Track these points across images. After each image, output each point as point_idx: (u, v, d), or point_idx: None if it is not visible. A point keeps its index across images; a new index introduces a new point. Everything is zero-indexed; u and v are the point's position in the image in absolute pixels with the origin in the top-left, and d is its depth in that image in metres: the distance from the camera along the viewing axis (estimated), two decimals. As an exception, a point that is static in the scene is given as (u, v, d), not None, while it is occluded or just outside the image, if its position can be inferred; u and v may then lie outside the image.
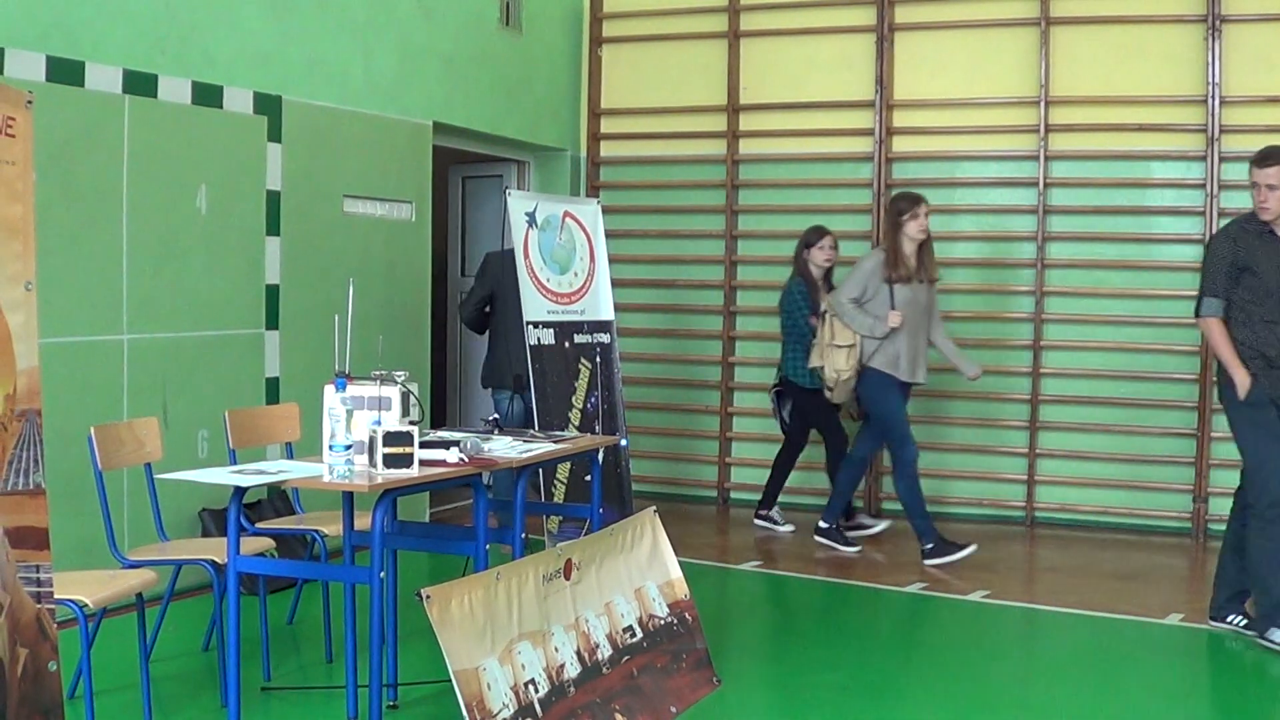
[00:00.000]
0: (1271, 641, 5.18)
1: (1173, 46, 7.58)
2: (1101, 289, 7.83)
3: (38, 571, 2.87)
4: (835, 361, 6.71)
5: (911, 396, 7.01)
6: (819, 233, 7.40)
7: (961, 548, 6.69)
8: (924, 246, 6.70)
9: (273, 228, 6.36)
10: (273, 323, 6.38)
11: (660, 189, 8.79)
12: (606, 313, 7.01)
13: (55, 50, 5.15)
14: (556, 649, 3.80)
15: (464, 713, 3.34)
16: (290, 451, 5.16)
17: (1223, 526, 7.42)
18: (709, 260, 8.69)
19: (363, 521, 4.35)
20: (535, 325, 6.43)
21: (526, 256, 6.49)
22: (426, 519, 7.36)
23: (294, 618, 5.42)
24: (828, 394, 6.93)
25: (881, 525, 7.41)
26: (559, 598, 3.92)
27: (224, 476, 3.82)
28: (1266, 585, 5.19)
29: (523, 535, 4.49)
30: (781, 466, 7.66)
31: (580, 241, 6.92)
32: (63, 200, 5.18)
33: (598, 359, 6.83)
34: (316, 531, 4.93)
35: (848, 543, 7.08)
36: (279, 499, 6.02)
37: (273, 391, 6.36)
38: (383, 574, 3.78)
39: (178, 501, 5.60)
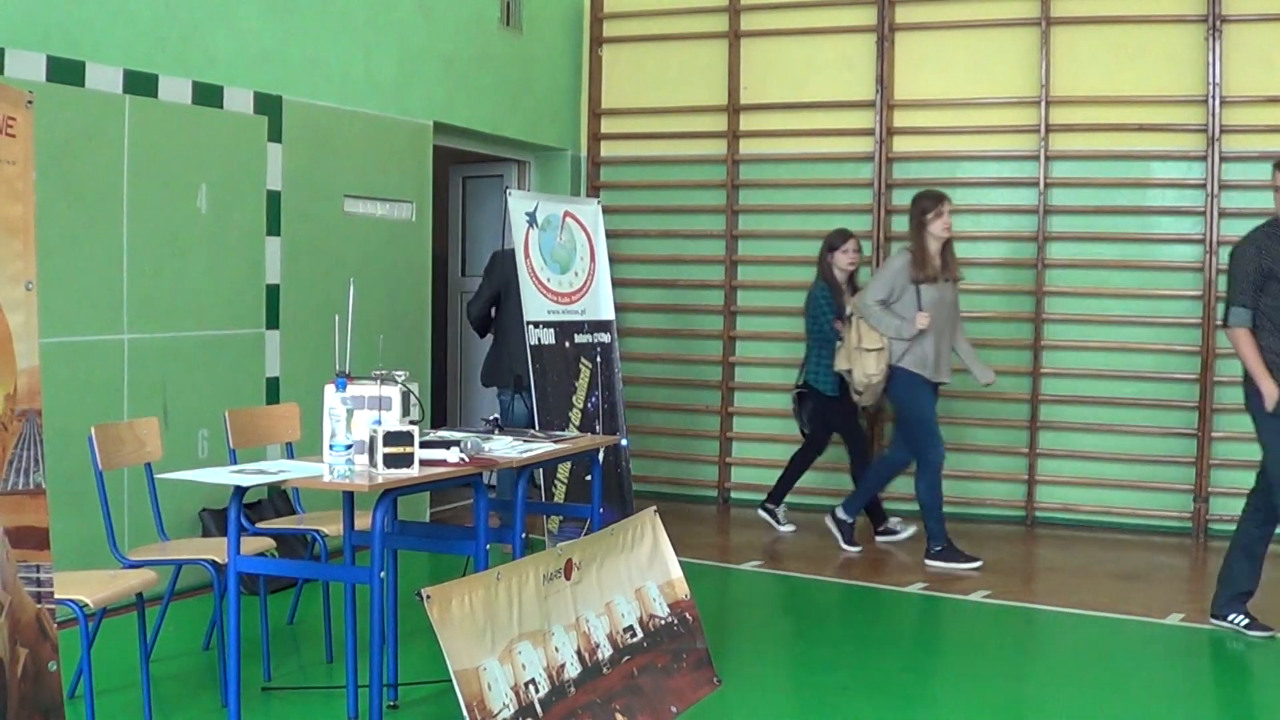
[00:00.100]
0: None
1: (1173, 46, 7.58)
2: (1102, 289, 7.83)
3: (38, 571, 2.88)
4: (865, 365, 6.64)
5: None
6: (842, 236, 7.32)
7: (969, 559, 6.66)
8: (946, 245, 6.64)
9: (273, 228, 6.36)
10: (273, 322, 6.38)
11: (661, 189, 8.79)
12: (607, 312, 7.01)
13: (56, 50, 5.15)
14: (557, 649, 3.80)
15: (464, 713, 3.34)
16: (290, 451, 5.16)
17: (1223, 526, 7.49)
18: (709, 260, 8.69)
19: (363, 521, 4.35)
20: (536, 325, 6.44)
21: (527, 256, 6.49)
22: (427, 519, 7.36)
23: (294, 618, 5.42)
24: (856, 397, 6.86)
25: (910, 531, 7.28)
26: (559, 598, 3.92)
27: (224, 476, 3.82)
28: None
29: (523, 535, 4.49)
30: (797, 465, 7.59)
31: (580, 241, 6.92)
32: (63, 200, 5.18)
33: (598, 359, 6.83)
34: (317, 531, 4.94)
35: (851, 541, 7.07)
36: (279, 499, 6.02)
37: (273, 391, 6.36)
38: (383, 574, 3.78)
39: (178, 501, 5.60)
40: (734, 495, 8.62)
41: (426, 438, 4.23)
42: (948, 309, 6.70)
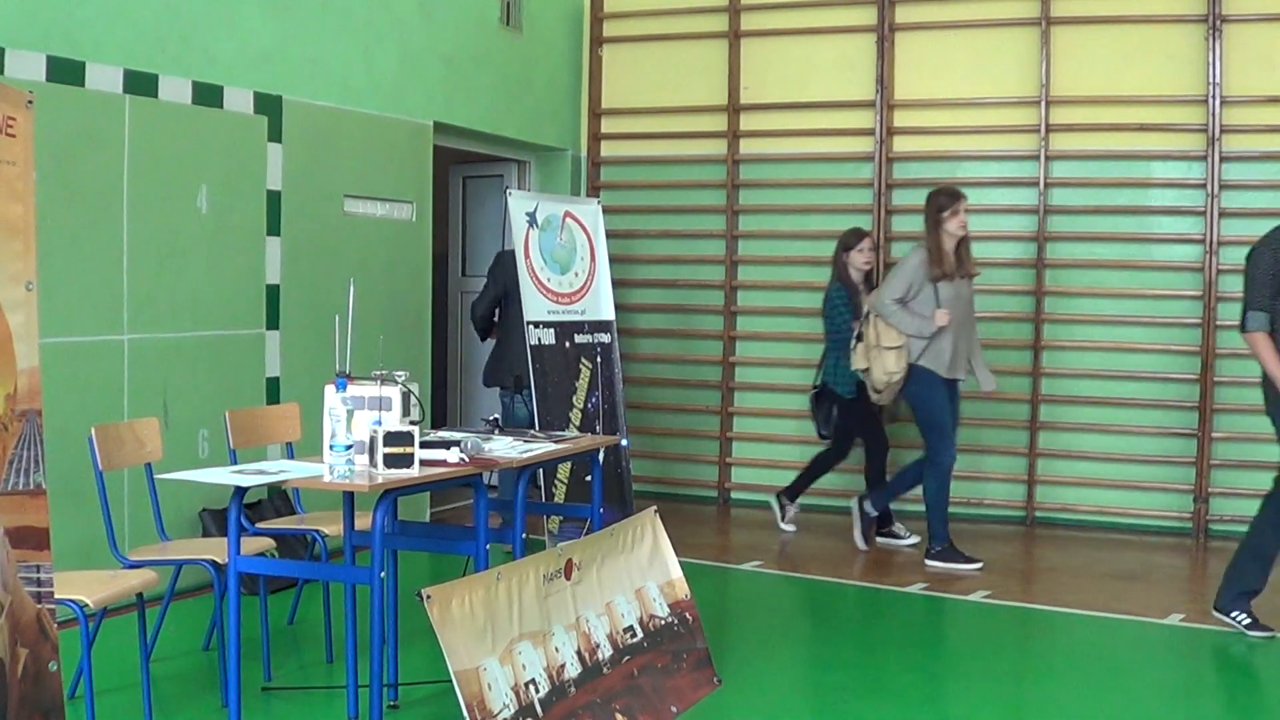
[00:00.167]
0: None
1: (1173, 46, 7.58)
2: (1101, 289, 7.83)
3: (38, 571, 2.88)
4: (885, 364, 6.58)
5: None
6: (857, 235, 7.27)
7: (969, 560, 6.66)
8: (962, 242, 6.60)
9: (273, 228, 6.36)
10: (273, 323, 6.38)
11: (661, 189, 8.79)
12: (607, 313, 7.01)
13: (56, 50, 5.15)
14: (557, 649, 3.80)
15: (464, 713, 3.34)
16: (291, 451, 5.16)
17: (1223, 527, 7.50)
18: (709, 260, 8.69)
19: (363, 521, 4.35)
20: (536, 325, 6.44)
21: (527, 256, 6.49)
22: (427, 519, 7.36)
23: (294, 618, 5.42)
24: (875, 396, 6.79)
25: (913, 539, 7.24)
26: (559, 598, 3.92)
27: (224, 476, 3.82)
28: (1245, 573, 5.30)
29: (523, 535, 4.49)
30: (818, 466, 7.53)
31: (581, 241, 6.93)
32: (63, 200, 5.18)
33: (598, 359, 6.83)
34: (317, 531, 4.94)
35: (868, 542, 7.05)
36: (279, 499, 6.02)
37: (273, 391, 6.36)
38: (383, 574, 3.78)
39: (178, 501, 5.60)
40: (734, 495, 8.62)
41: (427, 438, 4.22)
42: (964, 306, 6.67)
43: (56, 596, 3.01)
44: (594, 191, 8.79)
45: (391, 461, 3.80)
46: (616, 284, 7.47)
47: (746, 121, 8.58)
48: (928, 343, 6.55)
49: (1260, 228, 7.43)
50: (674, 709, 4.18)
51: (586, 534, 4.84)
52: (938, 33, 8.11)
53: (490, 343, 7.15)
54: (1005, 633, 5.74)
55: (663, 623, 4.41)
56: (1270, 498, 5.40)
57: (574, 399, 6.62)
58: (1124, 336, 7.77)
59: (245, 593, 4.75)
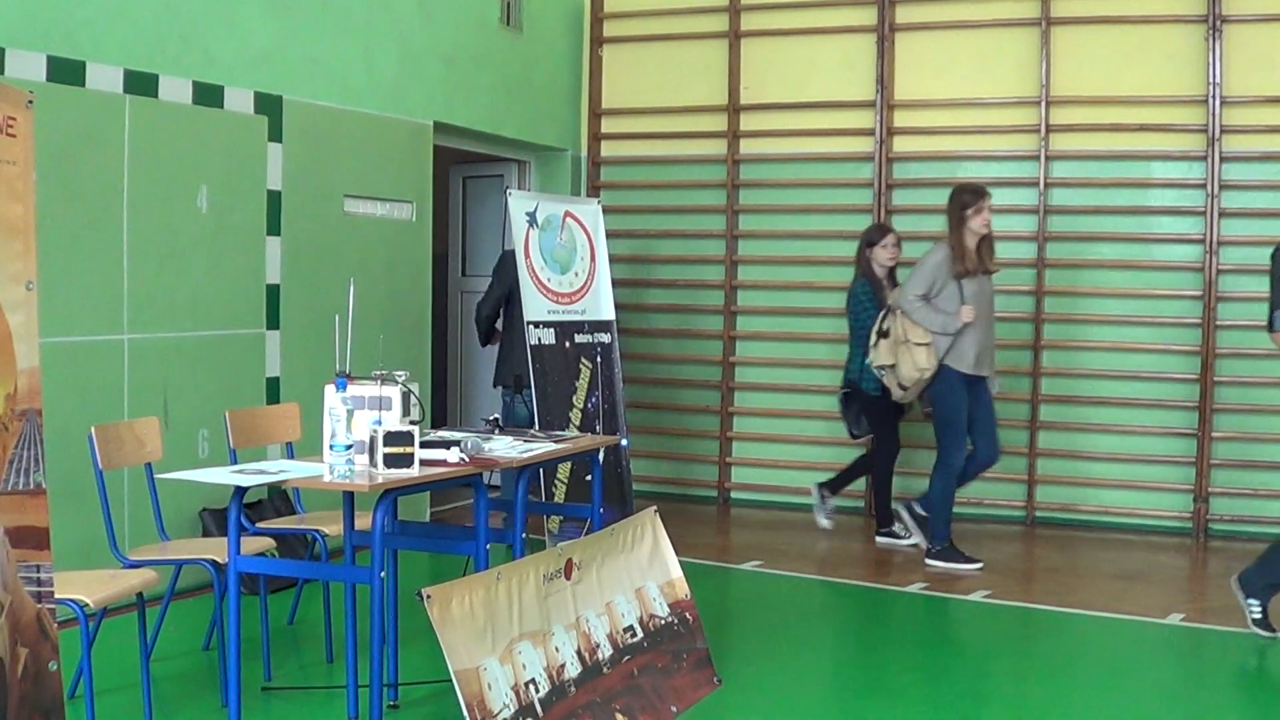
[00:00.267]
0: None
1: (1173, 46, 7.58)
2: (1101, 289, 7.83)
3: (38, 571, 2.88)
4: (917, 360, 6.53)
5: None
6: (881, 231, 7.23)
7: (969, 560, 6.66)
8: (984, 239, 6.58)
9: (273, 228, 6.36)
10: (273, 322, 6.38)
11: (661, 189, 8.79)
12: (607, 312, 7.01)
13: (56, 50, 5.15)
14: (557, 649, 3.80)
15: (464, 712, 3.34)
16: (291, 451, 5.16)
17: (1223, 527, 7.51)
18: (709, 260, 8.69)
19: (363, 521, 4.35)
20: (536, 325, 6.44)
21: (527, 256, 6.49)
22: (427, 519, 7.36)
23: (294, 617, 5.42)
24: (900, 393, 6.73)
25: (913, 539, 7.19)
26: (559, 597, 3.92)
27: (224, 476, 3.82)
28: (1276, 567, 5.26)
29: (523, 535, 4.49)
30: (863, 466, 7.45)
31: (581, 241, 6.93)
32: (63, 200, 5.18)
33: (598, 359, 6.83)
34: (317, 531, 4.94)
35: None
36: (279, 499, 6.02)
37: (273, 391, 6.36)
38: (383, 574, 3.78)
39: (178, 501, 5.60)
40: (734, 495, 8.62)
41: (427, 438, 4.23)
42: (986, 302, 6.65)
43: (56, 596, 3.01)
44: (594, 191, 8.79)
45: (391, 461, 3.80)
46: (616, 284, 7.47)
47: (746, 121, 8.58)
48: (952, 340, 6.52)
49: (1260, 228, 7.49)
50: (674, 709, 4.18)
51: (586, 534, 4.84)
52: (938, 33, 8.11)
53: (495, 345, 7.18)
54: (1005, 633, 5.74)
55: (663, 622, 4.41)
56: None
57: (574, 399, 6.62)
58: (1124, 336, 7.77)
59: (245, 592, 4.75)
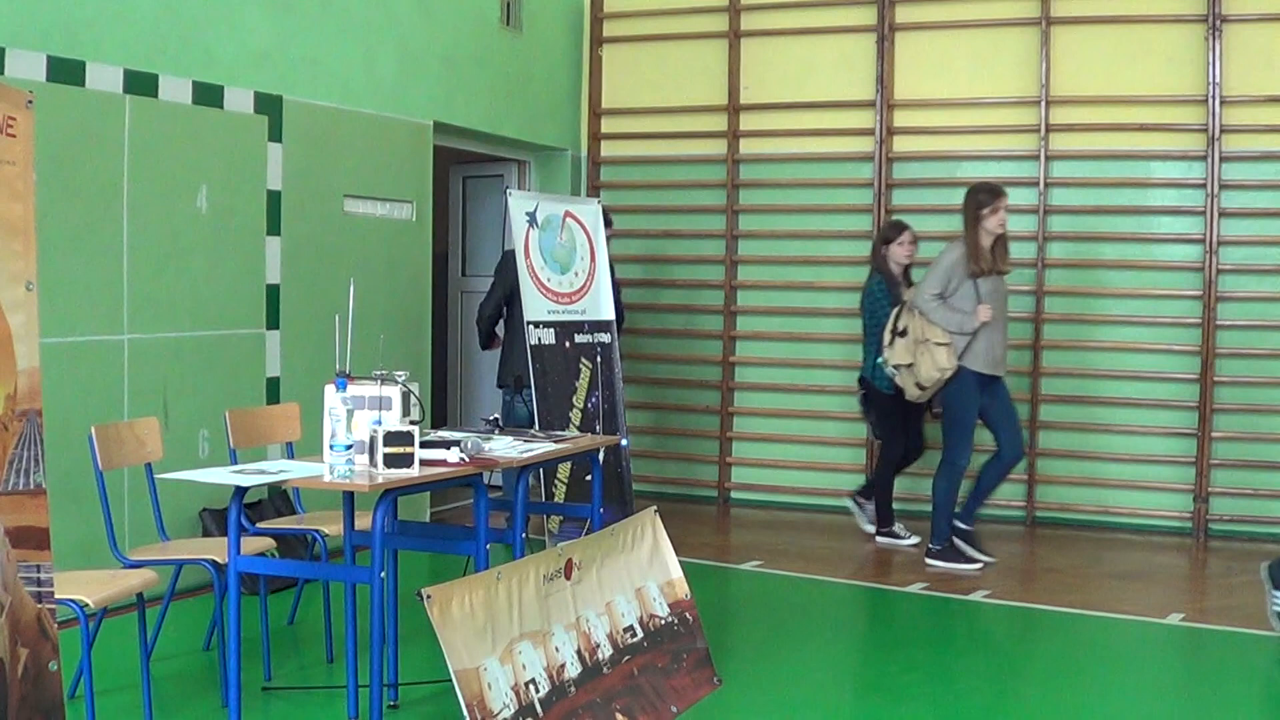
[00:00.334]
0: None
1: (1173, 46, 7.58)
2: (1101, 289, 7.83)
3: (38, 571, 2.88)
4: (938, 360, 6.49)
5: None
6: (897, 228, 7.18)
7: (970, 561, 6.66)
8: (999, 239, 6.56)
9: (273, 228, 6.36)
10: (273, 322, 6.38)
11: (661, 189, 8.79)
12: (607, 312, 7.01)
13: (56, 50, 5.15)
14: (557, 649, 3.80)
15: (464, 712, 3.34)
16: (291, 451, 5.16)
17: (1223, 527, 7.51)
18: (709, 260, 8.69)
19: (363, 521, 4.35)
20: (536, 325, 6.44)
21: (527, 256, 6.49)
22: (427, 519, 7.36)
23: (294, 618, 5.42)
24: (917, 393, 6.68)
25: (914, 540, 7.18)
26: (560, 597, 3.92)
27: (225, 476, 3.82)
28: None
29: (523, 535, 4.49)
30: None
31: (581, 241, 6.93)
32: (63, 200, 5.18)
33: (598, 359, 6.83)
34: (317, 531, 4.93)
35: (980, 550, 6.77)
36: (280, 499, 6.02)
37: (273, 391, 6.36)
38: (383, 574, 3.78)
39: (178, 501, 5.60)
40: (734, 495, 8.62)
41: (427, 438, 4.23)
42: (1000, 302, 6.64)
43: (57, 596, 3.01)
44: (594, 191, 8.79)
45: (391, 461, 3.80)
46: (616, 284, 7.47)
47: (746, 121, 8.58)
48: (969, 340, 6.50)
49: (1260, 228, 7.50)
50: (674, 709, 4.18)
51: (586, 534, 4.84)
52: (938, 33, 8.11)
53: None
54: (1005, 633, 5.74)
55: (663, 622, 4.41)
56: None
57: (574, 399, 6.62)
58: (1124, 336, 7.77)
59: (245, 593, 4.76)
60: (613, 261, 7.71)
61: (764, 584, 6.52)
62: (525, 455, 4.34)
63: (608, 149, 8.95)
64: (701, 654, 4.53)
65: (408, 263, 7.36)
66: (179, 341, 5.83)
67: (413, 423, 3.97)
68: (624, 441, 6.87)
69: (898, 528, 7.26)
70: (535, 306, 6.47)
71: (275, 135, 6.33)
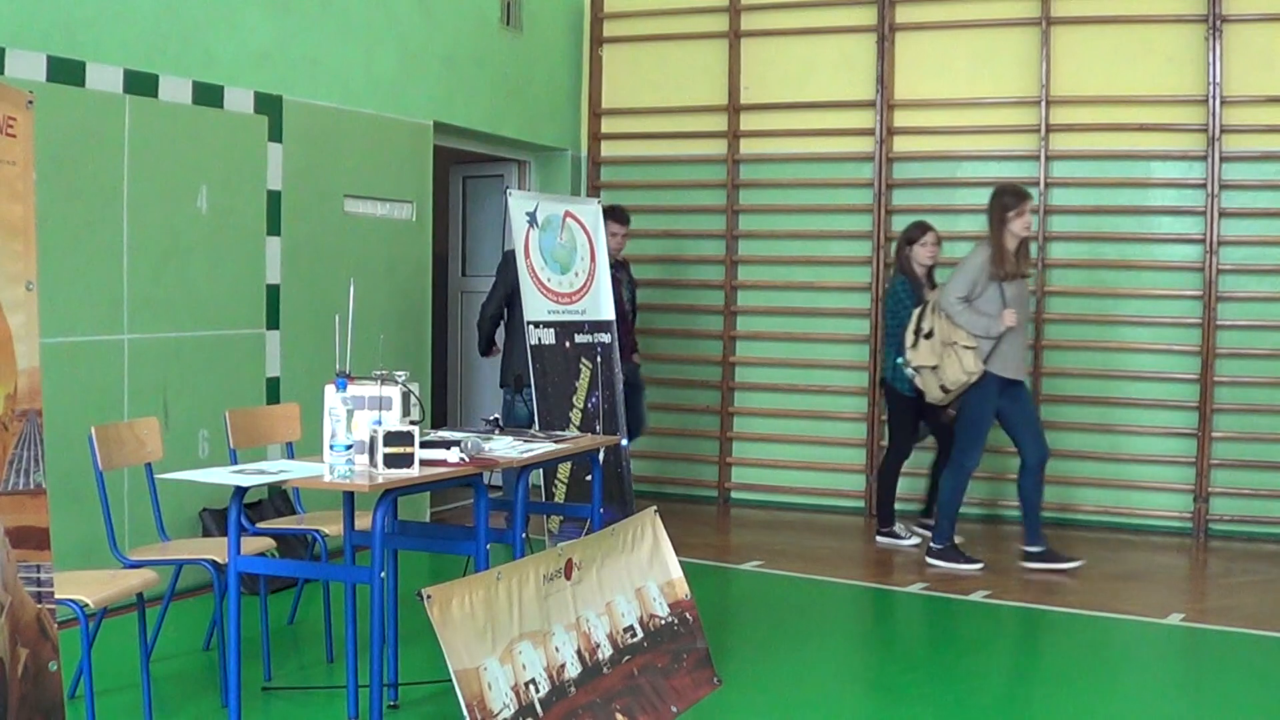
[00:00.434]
0: None
1: (1173, 46, 7.58)
2: (1101, 289, 7.83)
3: (38, 571, 2.87)
4: (965, 363, 6.44)
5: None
6: (921, 229, 7.13)
7: (970, 561, 6.66)
8: (1022, 242, 6.52)
9: (273, 228, 6.36)
10: (273, 323, 6.38)
11: (661, 189, 8.79)
12: (607, 312, 7.00)
13: (56, 50, 5.15)
14: (557, 649, 3.80)
15: (465, 712, 3.34)
16: (291, 451, 5.16)
17: (1223, 527, 7.51)
18: (709, 260, 8.69)
19: (363, 521, 4.35)
20: (536, 325, 6.44)
21: (527, 256, 6.49)
22: (427, 519, 7.36)
23: (295, 618, 5.42)
24: (940, 395, 6.63)
25: (914, 540, 7.18)
26: (560, 597, 3.92)
27: (225, 476, 3.82)
28: None
29: (523, 535, 4.49)
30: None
31: (581, 241, 6.92)
32: (63, 200, 5.18)
33: (598, 359, 6.83)
34: (317, 531, 4.93)
35: (1063, 559, 6.66)
36: (280, 499, 6.02)
37: (273, 391, 6.36)
38: (383, 574, 3.78)
39: (178, 501, 5.60)
40: (734, 495, 8.62)
41: (427, 438, 4.23)
42: (1025, 306, 6.61)
43: (57, 596, 3.01)
44: (594, 191, 8.79)
45: (391, 461, 3.80)
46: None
47: (746, 121, 8.58)
48: (993, 344, 6.46)
49: (1260, 228, 7.50)
50: (674, 709, 4.18)
51: (586, 534, 4.84)
52: (938, 33, 8.11)
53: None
54: (1005, 633, 5.74)
55: (663, 622, 4.41)
56: None
57: (574, 399, 6.62)
58: (1124, 336, 7.77)
59: (245, 593, 4.76)
60: (628, 260, 7.72)
61: (764, 584, 6.51)
62: (525, 455, 4.34)
63: (608, 149, 8.95)
64: (701, 654, 4.53)
65: (408, 263, 7.36)
66: (179, 341, 5.83)
67: (413, 423, 3.97)
68: (624, 441, 6.87)
69: (898, 528, 7.26)
70: (535, 306, 6.47)
71: (275, 135, 6.33)
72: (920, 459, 7.58)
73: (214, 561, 4.29)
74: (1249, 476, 7.51)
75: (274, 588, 5.49)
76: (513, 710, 3.50)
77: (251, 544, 4.42)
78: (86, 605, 3.72)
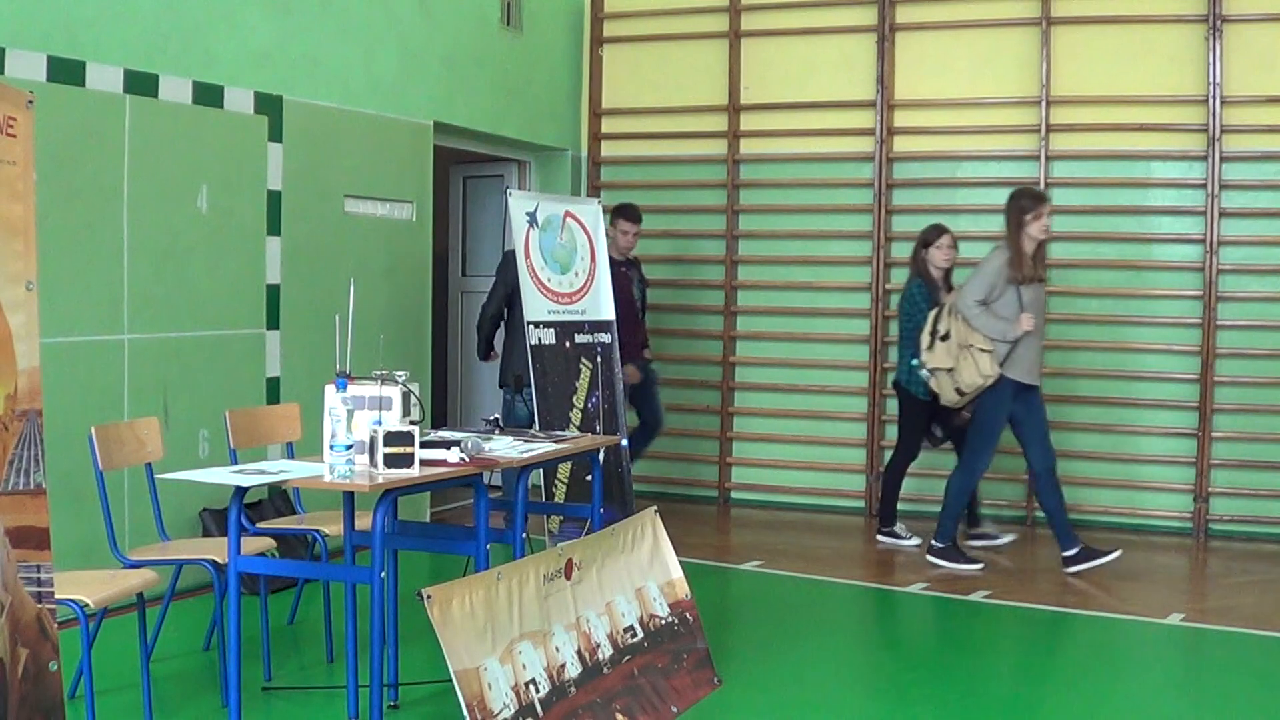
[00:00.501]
0: None
1: (1173, 46, 7.59)
2: (1101, 289, 7.83)
3: (38, 571, 2.87)
4: (981, 366, 6.41)
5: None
6: (937, 231, 7.10)
7: (971, 561, 6.66)
8: (1039, 246, 6.50)
9: (273, 228, 6.36)
10: (273, 323, 6.38)
11: (661, 189, 8.79)
12: (607, 313, 7.00)
13: (56, 50, 5.15)
14: (557, 649, 3.80)
15: (465, 713, 3.34)
16: (291, 451, 5.16)
17: (1223, 527, 7.51)
18: (709, 260, 8.69)
19: (363, 521, 4.35)
20: (536, 325, 6.44)
21: (527, 256, 6.49)
22: (427, 519, 7.36)
23: (295, 618, 5.42)
24: (956, 398, 6.60)
25: (915, 540, 7.13)
26: (560, 597, 3.92)
27: (225, 476, 3.82)
28: None
29: (523, 535, 4.49)
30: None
31: (581, 241, 6.92)
32: (64, 200, 5.18)
33: (599, 359, 6.82)
34: (317, 531, 4.93)
35: (1096, 554, 6.64)
36: (280, 499, 6.02)
37: (273, 391, 6.36)
38: (383, 574, 3.78)
39: (179, 501, 5.60)
40: (734, 495, 8.62)
41: (427, 438, 4.23)
42: (1042, 310, 6.60)
43: (57, 596, 3.01)
44: (594, 191, 8.79)
45: (391, 461, 3.80)
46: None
47: (746, 121, 8.58)
48: (1010, 348, 6.43)
49: (1260, 228, 7.50)
50: (674, 709, 4.18)
51: (586, 534, 4.84)
52: (938, 33, 8.11)
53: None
54: (1006, 633, 5.74)
55: (663, 622, 4.41)
56: None
57: (574, 399, 6.62)
58: (1124, 336, 7.77)
59: (245, 593, 4.76)
60: (638, 260, 7.71)
61: (764, 584, 6.52)
62: (525, 455, 4.34)
63: (608, 149, 8.95)
64: (702, 654, 4.53)
65: (408, 263, 7.36)
66: (179, 341, 5.83)
67: (413, 423, 3.97)
68: (624, 441, 6.87)
69: (899, 528, 7.26)
70: (535, 306, 6.47)
71: (275, 135, 6.33)
72: (928, 460, 7.57)
73: (214, 561, 4.29)
74: (1249, 476, 7.51)
75: (274, 588, 5.49)
76: (513, 710, 3.50)
77: (252, 544, 4.42)
78: (87, 605, 3.72)
